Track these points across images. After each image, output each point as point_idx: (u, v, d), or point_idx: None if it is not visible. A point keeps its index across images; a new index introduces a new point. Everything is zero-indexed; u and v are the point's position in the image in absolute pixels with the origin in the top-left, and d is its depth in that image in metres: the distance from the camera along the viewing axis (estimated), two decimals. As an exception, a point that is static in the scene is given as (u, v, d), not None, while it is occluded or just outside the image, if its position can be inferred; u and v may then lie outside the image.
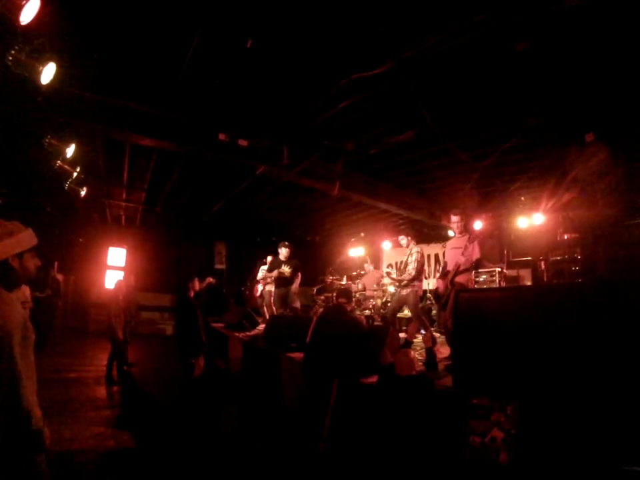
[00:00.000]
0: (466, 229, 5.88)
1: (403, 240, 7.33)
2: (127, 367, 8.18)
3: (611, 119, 5.61)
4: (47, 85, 4.35)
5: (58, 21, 4.09)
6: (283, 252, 8.67)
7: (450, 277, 5.62)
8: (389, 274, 9.24)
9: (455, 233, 6.05)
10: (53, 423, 4.98)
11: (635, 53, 4.52)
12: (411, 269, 6.57)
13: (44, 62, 4.20)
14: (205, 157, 7.04)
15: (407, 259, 6.76)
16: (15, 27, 3.72)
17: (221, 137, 6.51)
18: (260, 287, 10.04)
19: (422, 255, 6.73)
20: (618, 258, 3.30)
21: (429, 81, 5.27)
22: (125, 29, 4.55)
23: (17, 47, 4.00)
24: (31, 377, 1.91)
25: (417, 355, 4.88)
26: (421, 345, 5.76)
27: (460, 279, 5.53)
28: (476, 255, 5.52)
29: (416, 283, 6.64)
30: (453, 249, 5.73)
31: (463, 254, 5.52)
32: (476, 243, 5.60)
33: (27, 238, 2.11)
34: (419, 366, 4.55)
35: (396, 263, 13.97)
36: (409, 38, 4.47)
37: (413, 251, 6.74)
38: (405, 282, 6.62)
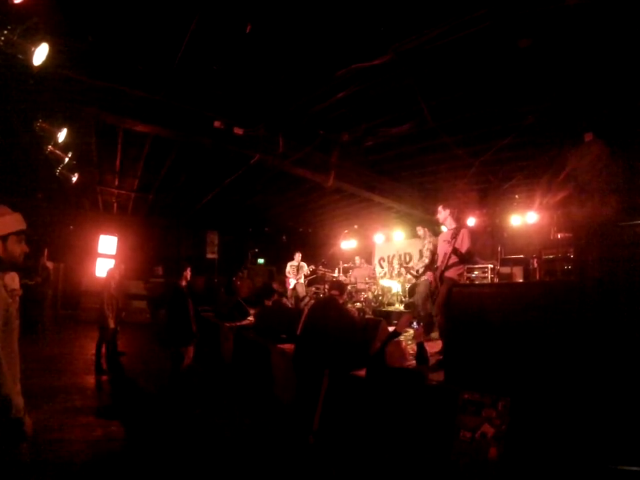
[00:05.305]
0: (456, 220, 5.81)
1: (420, 231, 8.87)
2: (116, 356, 8.12)
3: (609, 118, 5.62)
4: (40, 66, 4.24)
5: (52, 0, 4.00)
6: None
7: (439, 272, 5.59)
8: (407, 269, 10.21)
9: (444, 226, 6.02)
10: (40, 411, 4.98)
11: (634, 52, 4.51)
12: (425, 258, 6.82)
13: (36, 43, 4.08)
14: (200, 144, 6.97)
15: (424, 249, 7.37)
16: (8, 5, 3.63)
17: (217, 124, 6.43)
18: (292, 282, 11.43)
19: (435, 246, 7.00)
20: (612, 257, 3.29)
21: (428, 74, 5.24)
22: (122, 11, 4.46)
23: (9, 27, 3.89)
24: (12, 364, 1.86)
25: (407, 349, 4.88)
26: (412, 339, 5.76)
27: (450, 273, 5.44)
28: (465, 245, 5.41)
29: (428, 272, 6.76)
30: (444, 242, 5.67)
31: (450, 244, 5.48)
32: (465, 233, 5.49)
33: (12, 221, 2.05)
34: (410, 360, 4.56)
35: (388, 257, 14.00)
36: (410, 30, 4.43)
37: (426, 241, 7.44)
38: (422, 270, 6.87)
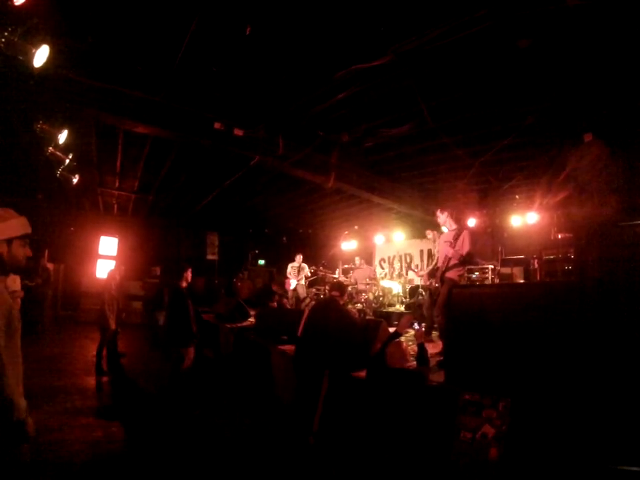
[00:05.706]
0: (456, 221, 5.87)
1: (430, 234, 9.56)
2: (116, 357, 8.12)
3: (609, 118, 5.62)
4: (40, 67, 4.24)
5: (52, 1, 4.00)
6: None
7: (440, 272, 5.62)
8: (415, 272, 10.69)
9: (445, 227, 6.10)
10: (40, 412, 4.98)
11: (634, 53, 4.51)
12: (436, 260, 7.26)
13: (37, 44, 4.07)
14: (200, 145, 6.97)
15: (434, 250, 7.95)
16: (8, 7, 3.63)
17: (217, 125, 6.43)
18: (293, 282, 11.55)
19: None
20: (612, 258, 3.30)
21: (428, 75, 5.23)
22: (122, 12, 4.45)
23: (9, 28, 3.88)
24: (16, 366, 1.87)
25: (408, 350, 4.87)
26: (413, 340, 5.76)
27: (451, 274, 5.52)
28: (466, 247, 5.49)
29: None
30: (444, 242, 5.73)
31: (452, 246, 5.51)
32: (466, 235, 5.57)
33: (17, 225, 2.04)
34: (411, 360, 4.55)
35: (388, 258, 14.01)
36: (410, 31, 4.43)
37: (436, 243, 7.87)
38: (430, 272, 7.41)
